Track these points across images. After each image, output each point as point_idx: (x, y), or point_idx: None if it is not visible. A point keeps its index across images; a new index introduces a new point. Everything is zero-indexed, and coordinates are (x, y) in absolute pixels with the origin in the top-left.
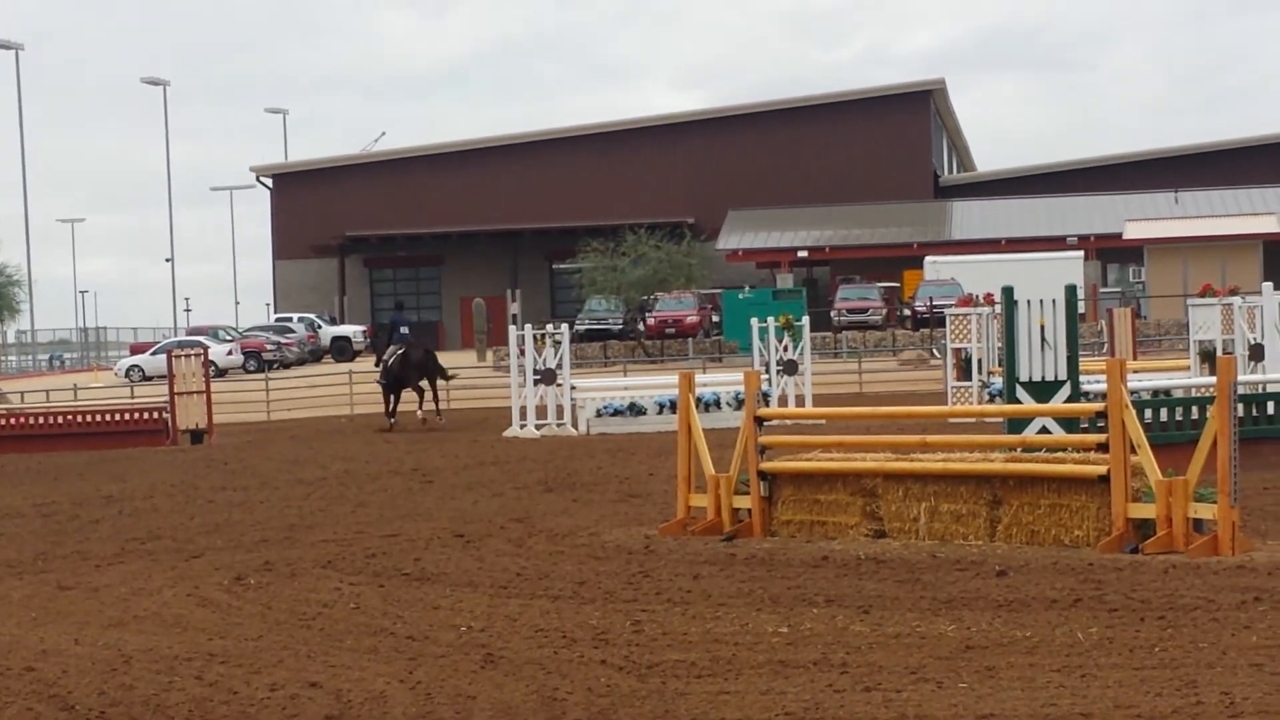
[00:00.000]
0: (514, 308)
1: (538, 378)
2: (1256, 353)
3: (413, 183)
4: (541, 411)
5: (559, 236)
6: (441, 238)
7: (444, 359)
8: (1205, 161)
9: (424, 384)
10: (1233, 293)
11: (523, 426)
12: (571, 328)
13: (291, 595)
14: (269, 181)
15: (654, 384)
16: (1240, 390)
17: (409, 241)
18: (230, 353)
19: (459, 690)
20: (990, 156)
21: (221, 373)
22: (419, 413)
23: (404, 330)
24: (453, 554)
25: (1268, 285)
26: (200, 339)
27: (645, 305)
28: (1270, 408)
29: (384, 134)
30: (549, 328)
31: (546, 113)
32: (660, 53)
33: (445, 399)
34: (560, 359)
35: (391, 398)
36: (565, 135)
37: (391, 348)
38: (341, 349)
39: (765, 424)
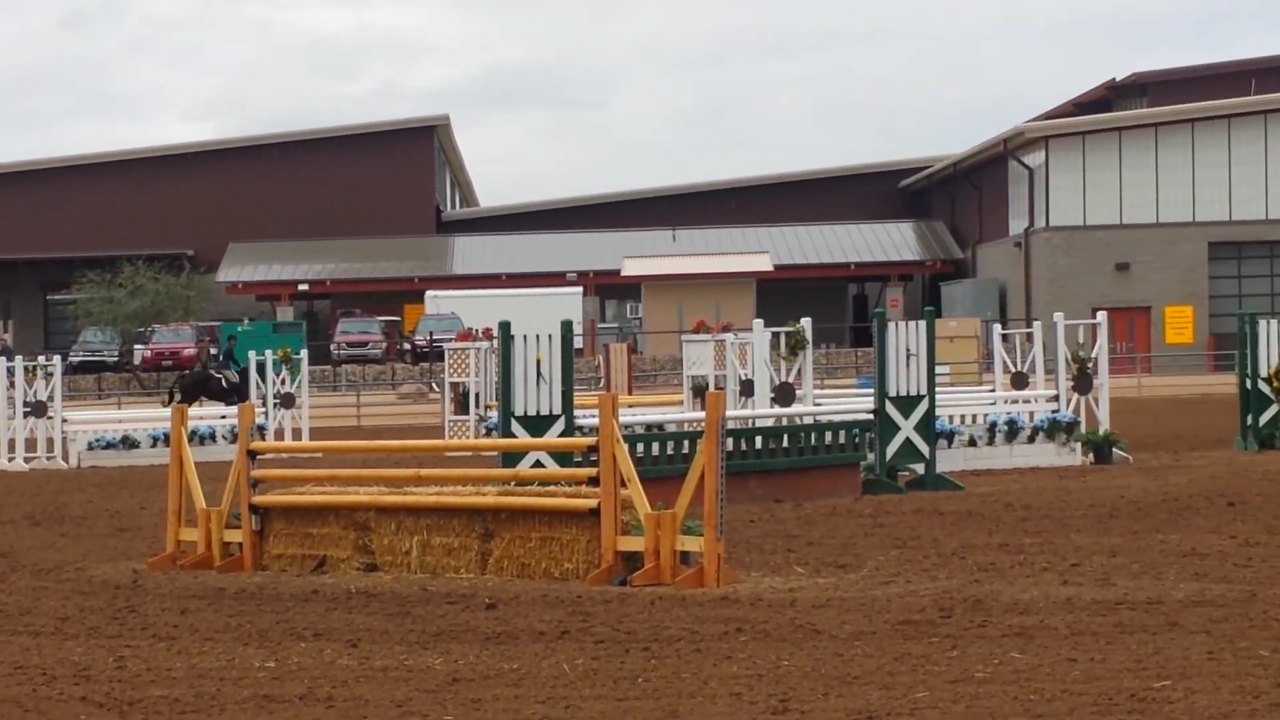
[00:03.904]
0: (6, 339)
1: (27, 410)
2: (747, 388)
3: None
4: (31, 444)
5: (54, 267)
6: None
7: None
8: (704, 200)
9: None
10: (726, 329)
11: (11, 460)
12: (65, 359)
13: None
14: None
15: (149, 416)
16: (730, 425)
17: None
18: None
19: None
20: (498, 193)
21: None
22: None
23: None
24: None
25: (759, 322)
26: None
27: (142, 337)
28: (758, 442)
29: None
30: (41, 360)
31: (47, 144)
32: (171, 85)
33: None
34: (52, 391)
35: None
36: (62, 165)
37: None
38: None
39: (259, 458)
